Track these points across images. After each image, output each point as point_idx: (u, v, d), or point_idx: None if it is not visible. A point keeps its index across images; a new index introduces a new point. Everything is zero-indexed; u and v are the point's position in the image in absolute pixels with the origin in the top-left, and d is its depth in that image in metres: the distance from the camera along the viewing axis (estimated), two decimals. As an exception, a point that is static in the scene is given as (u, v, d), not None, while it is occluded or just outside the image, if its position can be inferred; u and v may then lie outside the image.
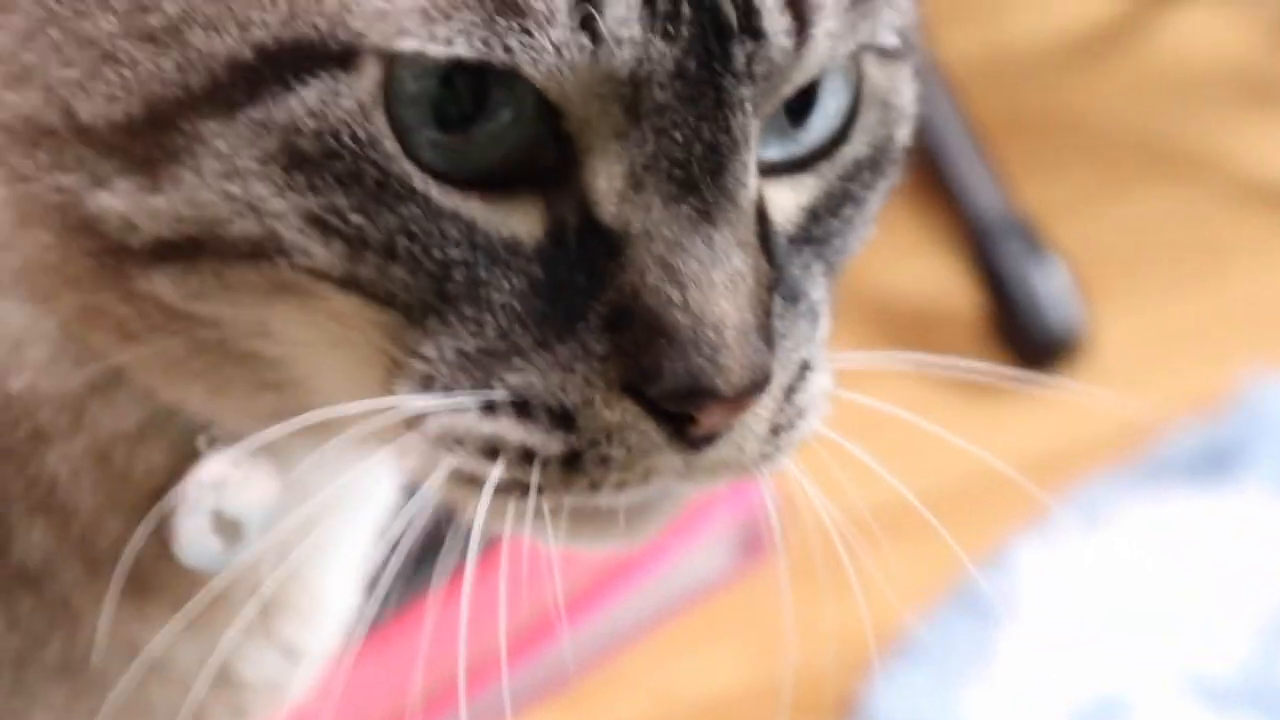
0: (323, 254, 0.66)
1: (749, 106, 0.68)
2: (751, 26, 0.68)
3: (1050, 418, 1.64)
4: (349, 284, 0.66)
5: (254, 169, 0.65)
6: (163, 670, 0.78)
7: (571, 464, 0.68)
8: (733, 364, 0.66)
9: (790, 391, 0.70)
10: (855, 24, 0.71)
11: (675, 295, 0.66)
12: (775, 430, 0.71)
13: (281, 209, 0.65)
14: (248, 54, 0.64)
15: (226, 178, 0.65)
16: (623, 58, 0.65)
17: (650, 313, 0.66)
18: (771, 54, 0.68)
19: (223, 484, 0.74)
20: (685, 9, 0.66)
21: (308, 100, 0.64)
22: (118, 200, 0.66)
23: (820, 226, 0.73)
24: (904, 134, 0.76)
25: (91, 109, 0.66)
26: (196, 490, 0.74)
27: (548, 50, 0.65)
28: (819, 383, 0.72)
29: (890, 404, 1.53)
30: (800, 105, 0.72)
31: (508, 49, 0.64)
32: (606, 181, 0.67)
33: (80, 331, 0.72)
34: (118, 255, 0.68)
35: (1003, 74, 1.97)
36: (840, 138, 0.73)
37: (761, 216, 0.69)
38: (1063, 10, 2.10)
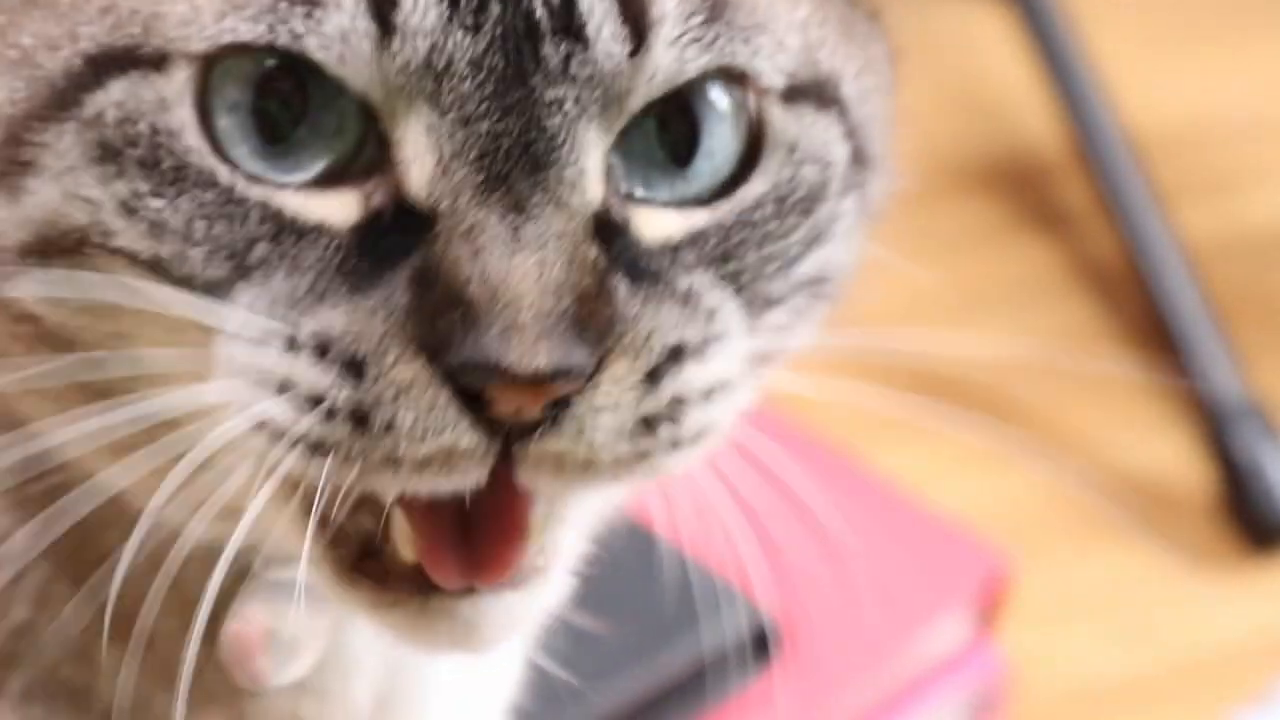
0: (131, 236, 0.68)
1: (570, 108, 0.68)
2: (568, 28, 0.67)
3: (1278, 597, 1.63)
4: (156, 266, 0.68)
5: (80, 164, 0.68)
6: None
7: (361, 423, 0.67)
8: (524, 346, 0.65)
9: (655, 377, 0.69)
10: (713, 41, 0.70)
11: (475, 270, 0.66)
12: (649, 423, 0.69)
13: (99, 197, 0.68)
14: (78, 63, 0.68)
15: (62, 175, 0.68)
16: (415, 48, 0.67)
17: (450, 282, 0.66)
18: (596, 58, 0.68)
19: (276, 609, 0.75)
20: (493, 5, 0.67)
21: (113, 94, 0.68)
22: None
23: (711, 244, 0.72)
24: (814, 174, 0.74)
25: None
26: (249, 609, 0.75)
27: (334, 37, 0.66)
28: (708, 373, 0.71)
29: (1121, 577, 1.52)
30: (684, 148, 0.71)
31: (295, 34, 0.66)
32: (418, 168, 0.67)
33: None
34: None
35: (1242, 253, 1.94)
36: (735, 180, 0.73)
37: (614, 227, 0.69)
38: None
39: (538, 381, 0.66)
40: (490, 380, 0.65)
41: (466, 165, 0.67)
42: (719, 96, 0.72)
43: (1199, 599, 1.62)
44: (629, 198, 0.71)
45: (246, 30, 0.67)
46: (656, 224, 0.71)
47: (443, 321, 0.66)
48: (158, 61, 0.68)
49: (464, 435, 0.67)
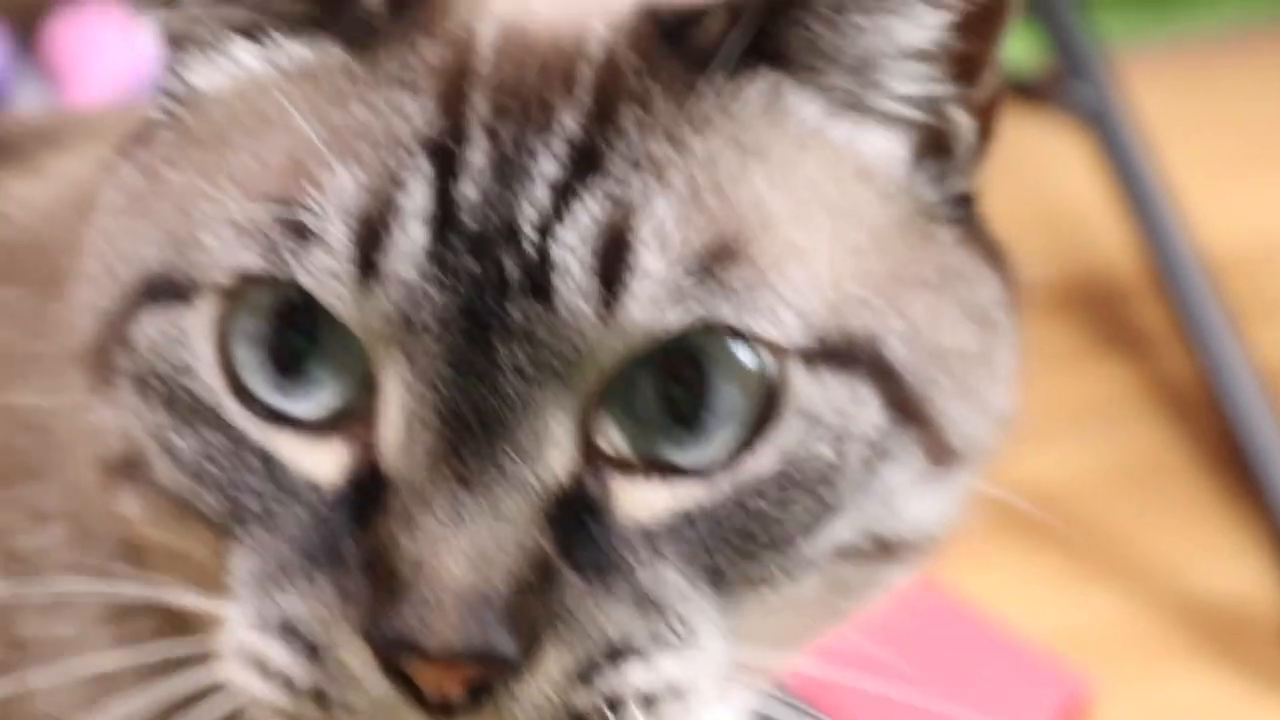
0: (161, 468, 0.69)
1: (527, 370, 0.66)
2: (536, 286, 0.65)
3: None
4: (179, 501, 0.69)
5: (128, 388, 0.69)
6: None
7: (321, 702, 0.67)
8: (442, 625, 0.64)
9: (587, 672, 0.67)
10: (700, 298, 0.66)
11: (406, 544, 0.65)
12: (578, 718, 0.67)
13: (136, 426, 0.69)
14: (135, 284, 0.69)
15: (120, 398, 0.70)
16: (391, 297, 0.66)
17: (386, 559, 0.65)
18: (558, 317, 0.66)
19: None
20: (469, 261, 0.65)
21: (146, 326, 0.68)
22: (93, 417, 0.71)
23: (693, 533, 0.68)
24: (828, 450, 0.69)
25: (80, 330, 0.71)
26: None
27: (322, 272, 0.66)
28: (653, 677, 0.68)
29: (1196, 702, 1.51)
30: (688, 408, 0.68)
31: (288, 266, 0.66)
32: (390, 430, 0.67)
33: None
34: (108, 476, 0.72)
35: None
36: (744, 446, 0.68)
37: (582, 504, 0.67)
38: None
39: (453, 661, 0.65)
40: (406, 656, 0.65)
41: (428, 431, 0.66)
42: (731, 352, 0.68)
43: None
44: (618, 463, 0.68)
45: (250, 261, 0.67)
46: (639, 500, 0.68)
47: (376, 602, 0.65)
48: (187, 293, 0.68)
49: (406, 716, 0.66)
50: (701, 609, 0.69)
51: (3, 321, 0.79)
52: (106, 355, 0.70)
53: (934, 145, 0.74)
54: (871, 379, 0.70)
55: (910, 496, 0.72)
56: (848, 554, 0.71)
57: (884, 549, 0.72)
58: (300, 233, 0.66)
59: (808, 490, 0.69)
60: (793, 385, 0.68)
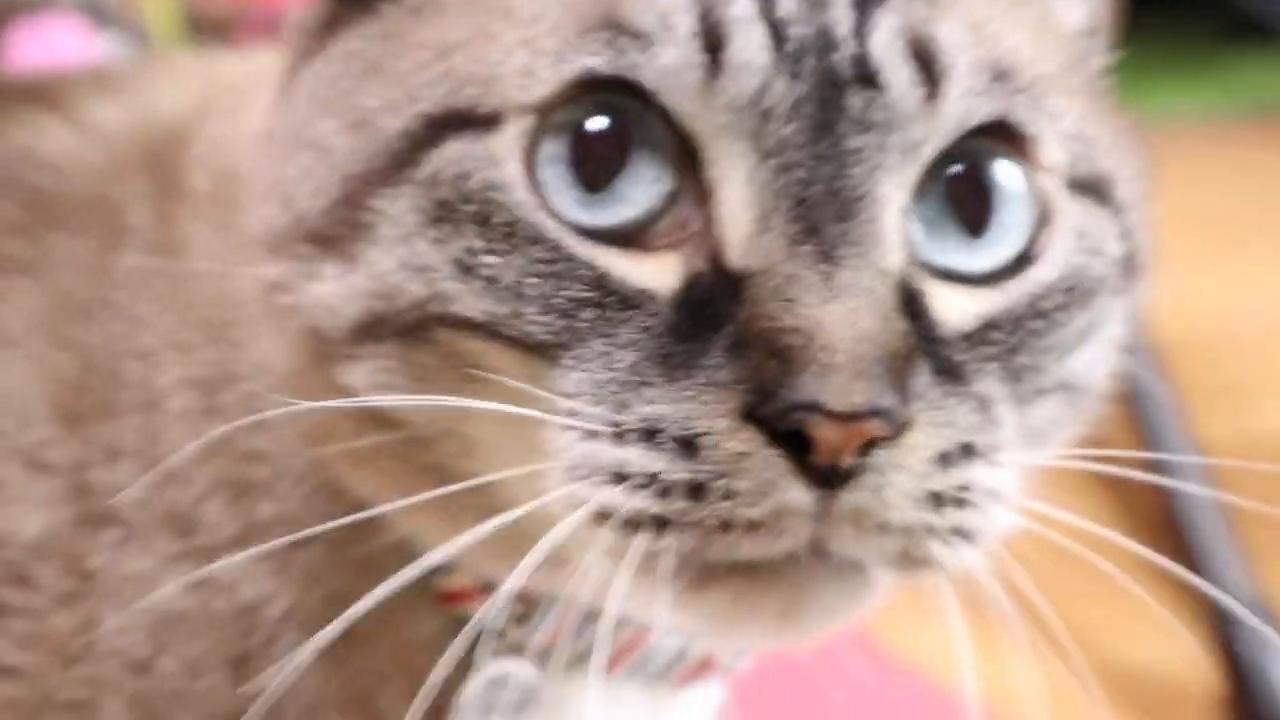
0: (467, 297, 0.70)
1: (872, 155, 0.71)
2: (868, 77, 0.71)
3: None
4: (491, 330, 0.70)
5: (415, 229, 0.70)
6: None
7: (697, 495, 0.69)
8: (841, 380, 0.67)
9: (946, 461, 0.71)
10: (997, 94, 0.73)
11: (789, 320, 0.68)
12: (937, 500, 0.71)
13: (435, 261, 0.70)
14: (415, 125, 0.71)
15: (398, 242, 0.70)
16: (743, 85, 0.70)
17: (766, 338, 0.68)
18: (894, 103, 0.71)
19: (501, 683, 0.79)
20: (809, 55, 0.70)
21: (448, 152, 0.70)
22: (325, 287, 0.72)
23: (1001, 337, 0.74)
24: (1098, 265, 0.76)
25: (306, 200, 0.72)
26: (479, 690, 0.79)
27: (666, 69, 0.69)
28: (993, 477, 0.73)
29: None
30: (977, 218, 0.74)
31: (631, 64, 0.70)
32: (734, 227, 0.70)
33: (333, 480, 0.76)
34: (326, 352, 0.73)
35: (1258, 458, 1.95)
36: (1025, 257, 0.75)
37: (915, 303, 0.71)
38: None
39: (854, 418, 0.67)
40: (808, 416, 0.67)
41: (782, 216, 0.69)
42: (1010, 170, 0.74)
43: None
44: (925, 267, 0.73)
45: (588, 61, 0.70)
46: (952, 305, 0.73)
47: (762, 377, 0.68)
48: (491, 120, 0.71)
49: (793, 490, 0.68)
50: (1011, 421, 0.74)
51: (68, 269, 0.81)
52: (348, 221, 0.71)
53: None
54: (1111, 213, 0.77)
55: (1111, 345, 0.80)
56: (1065, 388, 0.77)
57: (1078, 392, 0.79)
58: (640, 36, 0.69)
59: (1080, 301, 0.75)
60: (1059, 204, 0.75)
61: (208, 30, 1.86)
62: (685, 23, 0.70)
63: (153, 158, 0.83)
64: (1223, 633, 1.72)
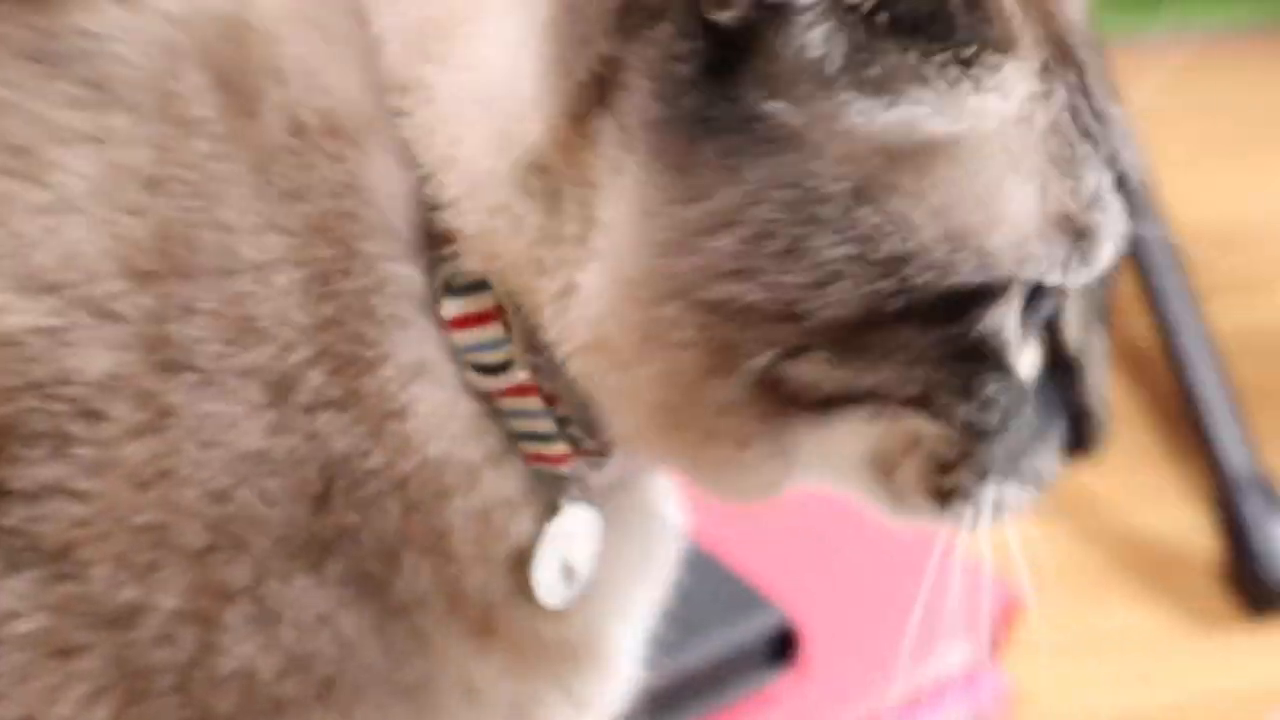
0: (950, 403, 0.84)
1: (1109, 281, 0.89)
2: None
3: (1273, 656, 1.68)
4: (934, 410, 0.84)
5: (930, 356, 0.81)
6: (480, 703, 0.84)
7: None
8: (1108, 431, 0.90)
9: None
10: None
11: (1098, 396, 0.89)
12: None
13: (937, 379, 0.82)
14: (951, 287, 0.80)
15: (907, 364, 0.81)
16: (1107, 260, 0.85)
17: (1087, 408, 0.88)
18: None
19: (571, 536, 0.85)
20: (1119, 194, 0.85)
21: (977, 320, 0.82)
22: (806, 368, 0.80)
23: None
24: None
25: (816, 309, 0.78)
26: (553, 541, 0.84)
27: (1099, 264, 0.84)
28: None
29: (1127, 626, 1.56)
30: None
31: (1066, 271, 0.83)
32: (1068, 330, 0.87)
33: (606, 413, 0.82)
34: (757, 388, 0.81)
35: (1266, 347, 1.99)
36: None
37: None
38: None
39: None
40: (1090, 452, 0.91)
41: (1088, 318, 0.88)
42: None
43: (1197, 652, 1.66)
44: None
45: (1057, 274, 0.83)
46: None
47: (1080, 434, 0.90)
48: (1002, 289, 0.82)
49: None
50: None
51: (131, 144, 0.79)
52: (867, 333, 0.81)
53: None
54: None
55: None
56: None
57: None
58: (1085, 234, 0.83)
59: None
60: None
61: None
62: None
63: (214, 55, 0.80)
64: (1226, 502, 1.76)
